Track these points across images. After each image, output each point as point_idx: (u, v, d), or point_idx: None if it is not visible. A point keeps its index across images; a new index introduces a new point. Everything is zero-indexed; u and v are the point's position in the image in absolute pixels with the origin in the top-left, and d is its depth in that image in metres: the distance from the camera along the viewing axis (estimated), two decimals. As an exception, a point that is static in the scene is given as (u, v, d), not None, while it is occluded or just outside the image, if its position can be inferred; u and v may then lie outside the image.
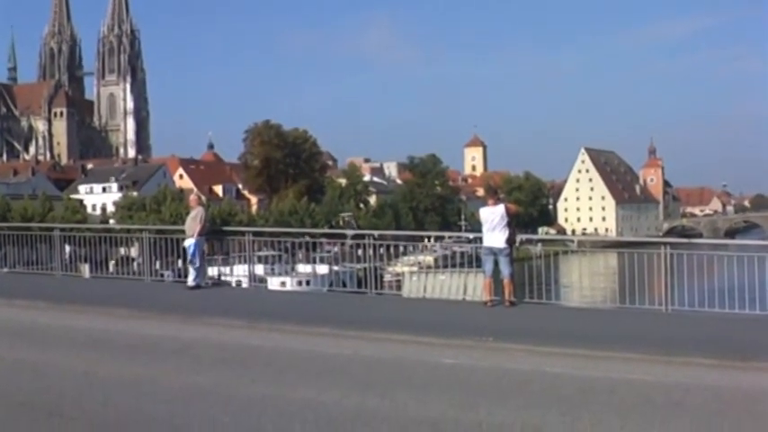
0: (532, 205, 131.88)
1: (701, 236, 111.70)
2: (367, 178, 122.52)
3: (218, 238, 18.80)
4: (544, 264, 14.61)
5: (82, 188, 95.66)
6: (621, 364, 8.33)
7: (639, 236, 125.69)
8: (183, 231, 15.76)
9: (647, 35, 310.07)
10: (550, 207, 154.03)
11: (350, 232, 21.83)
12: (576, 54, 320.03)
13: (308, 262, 27.95)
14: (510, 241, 12.38)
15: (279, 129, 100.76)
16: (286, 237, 21.75)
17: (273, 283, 29.40)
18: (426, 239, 35.13)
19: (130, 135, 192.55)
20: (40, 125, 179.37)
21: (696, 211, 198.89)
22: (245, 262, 17.24)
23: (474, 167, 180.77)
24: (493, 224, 12.32)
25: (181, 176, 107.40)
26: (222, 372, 7.97)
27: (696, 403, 6.87)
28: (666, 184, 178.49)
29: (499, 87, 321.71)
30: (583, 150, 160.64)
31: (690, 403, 6.84)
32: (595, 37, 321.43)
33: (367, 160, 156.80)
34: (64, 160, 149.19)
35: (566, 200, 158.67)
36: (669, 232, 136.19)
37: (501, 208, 12.47)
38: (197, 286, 14.93)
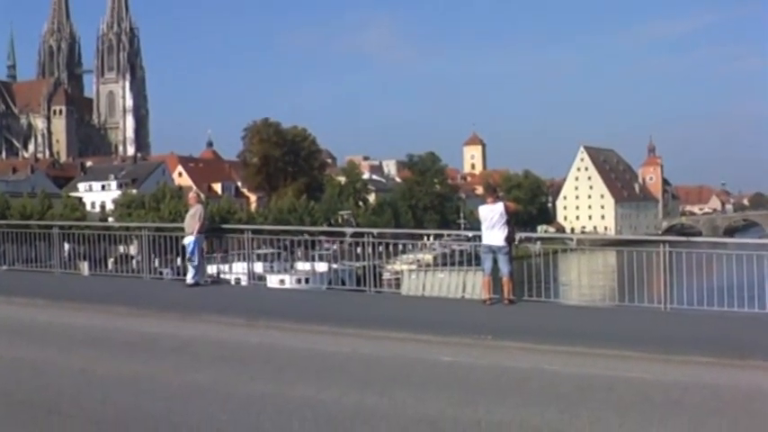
0: (531, 203, 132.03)
1: (699, 234, 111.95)
2: (366, 176, 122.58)
3: (217, 236, 18.81)
4: (543, 262, 14.61)
5: (81, 186, 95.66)
6: (620, 362, 8.34)
7: (638, 234, 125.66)
8: (182, 229, 15.77)
9: (647, 33, 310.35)
10: (549, 205, 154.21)
11: (349, 230, 21.84)
12: (576, 52, 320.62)
13: (307, 260, 28.02)
14: (509, 239, 12.38)
15: (278, 127, 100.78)
16: (285, 235, 21.73)
17: (272, 281, 29.39)
18: (425, 237, 35.10)
19: (129, 133, 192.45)
20: (40, 123, 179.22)
21: (695, 209, 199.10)
22: (244, 260, 17.25)
23: (473, 166, 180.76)
24: (492, 222, 12.32)
25: (180, 174, 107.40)
26: (221, 369, 7.97)
27: (694, 401, 6.87)
28: (665, 182, 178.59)
29: (498, 86, 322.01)
30: (582, 149, 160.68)
31: (688, 401, 6.84)
32: (595, 35, 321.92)
33: (366, 158, 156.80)
34: (63, 158, 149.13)
35: (565, 198, 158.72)
36: (668, 231, 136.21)
37: (500, 206, 12.47)
38: (196, 284, 14.93)
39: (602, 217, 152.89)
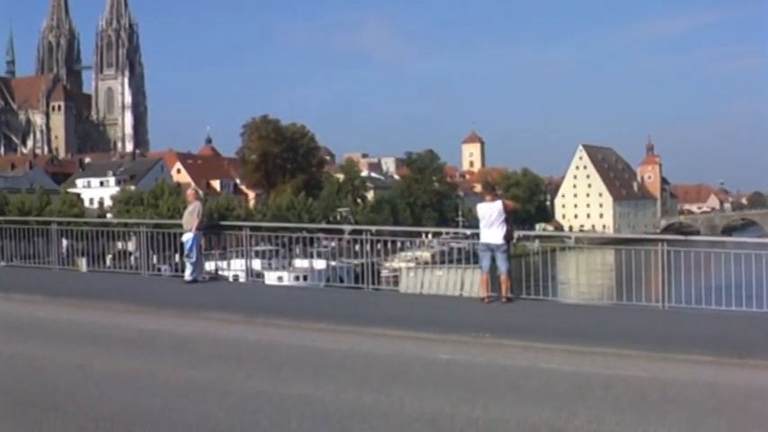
0: (530, 202, 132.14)
1: (698, 233, 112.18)
2: (364, 174, 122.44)
3: (215, 233, 18.82)
4: (541, 260, 14.61)
5: (79, 182, 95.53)
6: (618, 360, 8.34)
7: (637, 233, 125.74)
8: (180, 226, 15.76)
9: (646, 32, 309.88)
10: (548, 203, 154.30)
11: (347, 228, 21.81)
12: (575, 51, 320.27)
13: (305, 257, 27.90)
14: (507, 237, 12.39)
15: (276, 124, 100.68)
16: (283, 232, 21.76)
17: (270, 278, 29.38)
18: (424, 235, 35.06)
19: (128, 129, 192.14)
20: (38, 119, 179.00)
21: (693, 208, 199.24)
22: (242, 257, 17.25)
23: (472, 163, 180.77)
24: (490, 220, 12.32)
25: (178, 171, 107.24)
26: (218, 366, 7.97)
27: (692, 400, 6.88)
28: (664, 181, 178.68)
29: (497, 84, 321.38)
30: (580, 147, 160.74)
31: (686, 400, 6.85)
32: (593, 34, 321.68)
33: (365, 156, 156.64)
34: (62, 154, 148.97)
35: (563, 196, 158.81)
36: (666, 229, 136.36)
37: (498, 204, 12.47)
38: (194, 281, 14.92)
39: (601, 215, 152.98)
